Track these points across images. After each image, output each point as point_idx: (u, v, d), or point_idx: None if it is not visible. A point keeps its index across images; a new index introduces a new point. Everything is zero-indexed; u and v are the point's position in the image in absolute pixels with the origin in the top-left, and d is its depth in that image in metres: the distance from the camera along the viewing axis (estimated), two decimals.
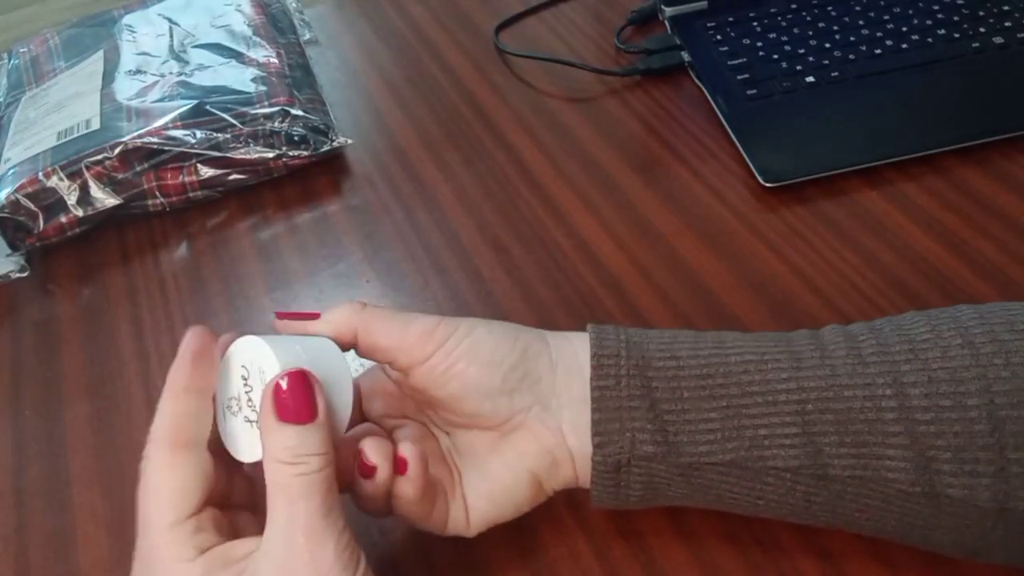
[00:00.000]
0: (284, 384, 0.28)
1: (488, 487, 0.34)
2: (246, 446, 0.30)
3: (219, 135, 0.55)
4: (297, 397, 0.28)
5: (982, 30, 0.59)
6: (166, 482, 0.28)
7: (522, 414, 0.33)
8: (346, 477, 0.32)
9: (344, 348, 0.33)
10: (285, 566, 0.27)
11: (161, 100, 0.57)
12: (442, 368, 0.32)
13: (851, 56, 0.59)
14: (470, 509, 0.34)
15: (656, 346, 0.33)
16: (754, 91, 0.57)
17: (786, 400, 0.31)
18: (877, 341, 0.32)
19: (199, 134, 0.54)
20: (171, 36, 0.63)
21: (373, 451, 0.31)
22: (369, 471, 0.31)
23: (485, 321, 0.34)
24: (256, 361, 0.30)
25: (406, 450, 0.31)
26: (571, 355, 0.34)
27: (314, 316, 0.33)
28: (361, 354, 0.33)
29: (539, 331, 0.35)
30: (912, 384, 0.30)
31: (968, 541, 0.31)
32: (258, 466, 0.29)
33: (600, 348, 0.33)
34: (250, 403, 0.30)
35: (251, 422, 0.30)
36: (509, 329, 0.34)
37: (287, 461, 0.27)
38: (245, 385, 0.30)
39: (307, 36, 0.69)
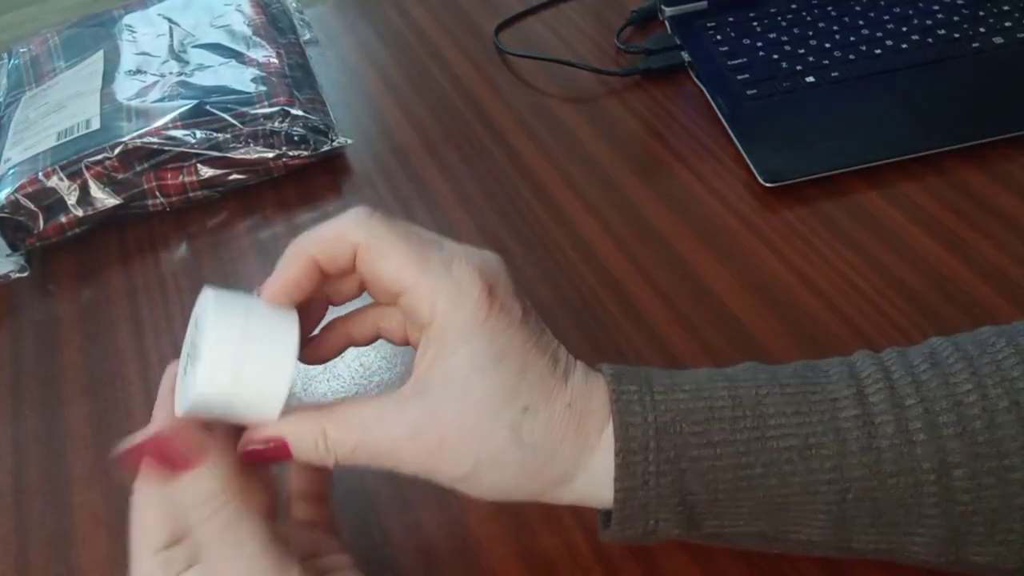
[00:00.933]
0: (151, 444, 0.29)
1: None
2: (177, 399, 0.30)
3: (219, 135, 0.55)
4: (170, 454, 0.29)
5: (982, 30, 0.59)
6: (147, 515, 0.30)
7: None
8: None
9: (335, 270, 0.31)
10: None
11: (161, 100, 0.57)
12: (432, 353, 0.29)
13: (851, 56, 0.59)
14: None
15: (690, 428, 0.29)
16: (754, 91, 0.57)
17: (827, 491, 0.29)
18: (925, 409, 0.29)
19: (199, 134, 0.54)
20: (171, 36, 0.63)
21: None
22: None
23: (511, 464, 0.29)
24: (200, 315, 0.30)
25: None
26: (584, 402, 0.30)
27: (282, 457, 0.29)
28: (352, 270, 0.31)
29: (547, 381, 0.29)
30: (956, 465, 0.28)
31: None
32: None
33: (627, 441, 0.29)
34: (187, 355, 0.30)
35: (183, 374, 0.30)
36: (538, 472, 0.29)
37: (189, 507, 0.28)
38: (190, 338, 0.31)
39: (307, 36, 0.69)
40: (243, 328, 0.29)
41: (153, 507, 0.30)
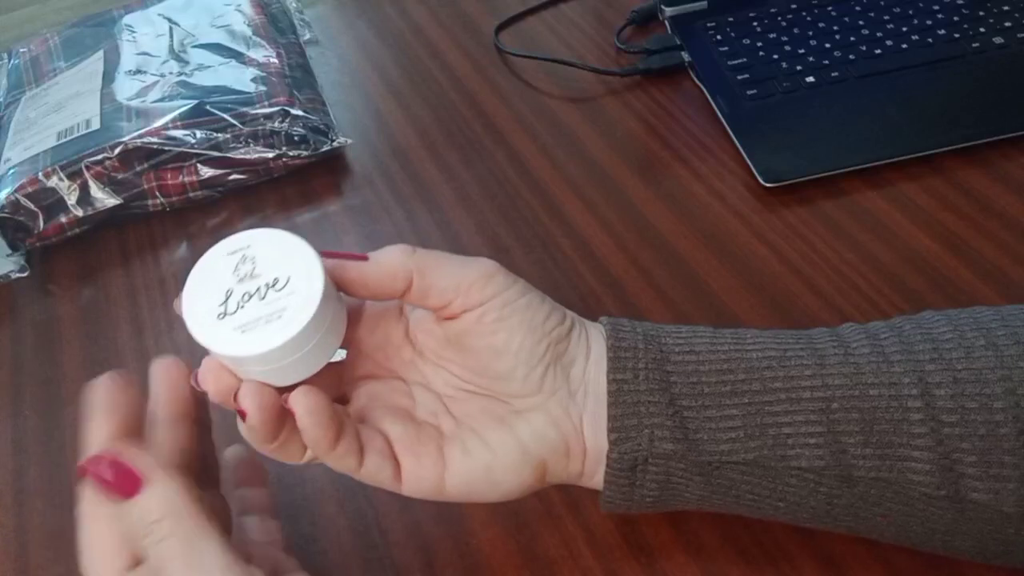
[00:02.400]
0: (98, 465, 0.28)
1: (489, 457, 0.31)
2: (211, 331, 0.29)
3: (219, 135, 0.55)
4: (119, 474, 0.28)
5: (982, 30, 0.59)
6: (101, 539, 0.28)
7: (547, 395, 0.31)
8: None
9: (395, 295, 0.31)
10: None
11: (161, 100, 0.57)
12: (493, 317, 0.31)
13: (851, 56, 0.59)
14: (452, 468, 0.31)
15: (673, 340, 0.32)
16: (754, 91, 0.57)
17: (810, 398, 0.30)
18: (899, 339, 0.31)
19: (199, 134, 0.54)
20: (171, 36, 0.63)
21: (247, 396, 0.29)
22: (241, 414, 0.29)
23: (537, 290, 0.33)
24: (297, 267, 0.29)
25: (245, 399, 0.29)
26: (602, 345, 0.32)
27: (363, 257, 0.31)
28: (412, 300, 0.32)
29: (579, 316, 0.34)
30: (937, 384, 0.30)
31: (990, 547, 0.31)
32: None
33: (616, 340, 0.32)
34: (250, 301, 0.29)
35: (235, 296, 0.29)
36: (558, 305, 0.33)
37: (144, 526, 0.27)
38: (251, 276, 0.29)
39: (307, 36, 0.69)
40: (332, 318, 0.29)
41: (106, 530, 0.28)
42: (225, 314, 0.28)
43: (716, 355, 0.31)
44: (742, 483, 0.31)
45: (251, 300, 0.28)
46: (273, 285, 0.29)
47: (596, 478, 0.32)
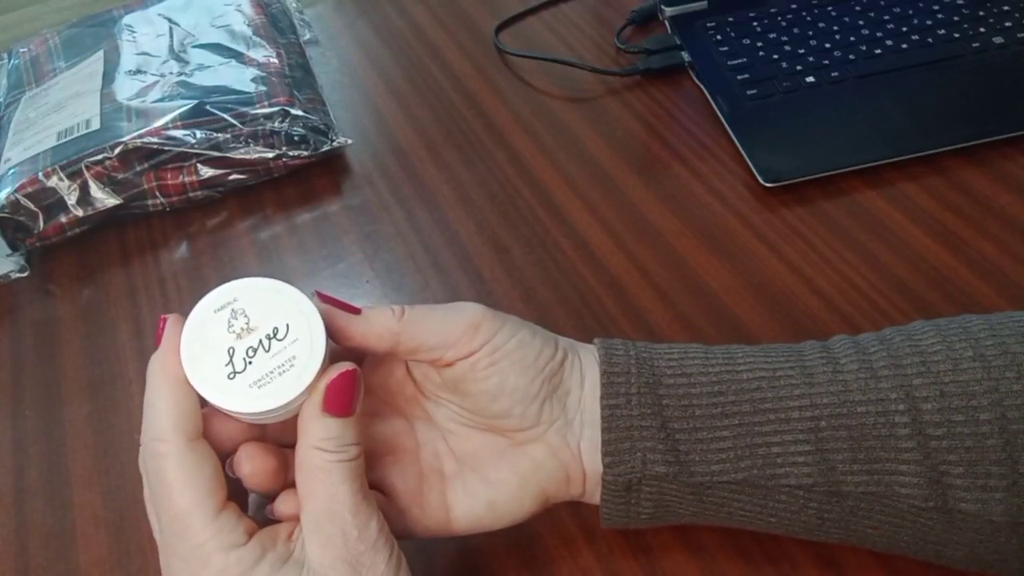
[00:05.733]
0: (336, 380, 0.29)
1: (491, 493, 0.33)
2: (216, 385, 0.28)
3: (219, 135, 0.55)
4: (346, 393, 0.29)
5: (982, 30, 0.59)
6: (196, 474, 0.28)
7: (545, 426, 0.32)
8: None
9: (379, 353, 0.32)
10: (335, 540, 0.28)
11: (161, 100, 0.57)
12: (485, 364, 0.31)
13: (851, 56, 0.59)
14: (456, 511, 0.33)
15: (666, 362, 0.33)
16: (754, 91, 0.57)
17: (799, 417, 0.31)
18: (888, 353, 0.32)
19: (199, 134, 0.54)
20: (171, 36, 0.63)
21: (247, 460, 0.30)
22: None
23: (527, 323, 0.33)
24: (297, 318, 0.29)
25: (243, 466, 0.30)
26: (596, 370, 0.33)
27: (355, 311, 0.31)
28: (401, 357, 0.33)
29: (571, 341, 0.34)
30: (924, 399, 0.30)
31: (983, 555, 0.31)
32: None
33: (610, 365, 0.33)
34: (256, 355, 0.28)
35: (258, 381, 0.28)
36: (549, 335, 0.33)
37: (328, 449, 0.28)
38: (247, 330, 0.28)
39: (307, 36, 0.69)
40: (326, 362, 0.29)
41: (201, 458, 0.28)
42: (235, 372, 0.28)
43: (708, 377, 0.32)
44: (734, 501, 0.32)
45: (257, 355, 0.28)
46: (274, 336, 0.29)
47: (596, 497, 0.33)
